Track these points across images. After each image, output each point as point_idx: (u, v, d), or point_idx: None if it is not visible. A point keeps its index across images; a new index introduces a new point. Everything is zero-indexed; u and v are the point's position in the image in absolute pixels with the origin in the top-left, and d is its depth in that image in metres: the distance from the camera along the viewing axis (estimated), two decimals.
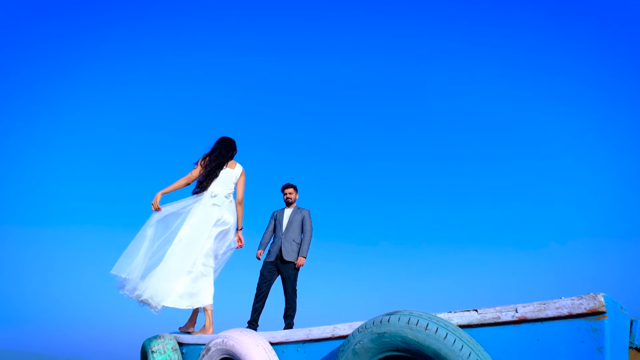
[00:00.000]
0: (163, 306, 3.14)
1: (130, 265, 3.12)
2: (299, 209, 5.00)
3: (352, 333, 1.76)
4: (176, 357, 2.92)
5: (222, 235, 3.71)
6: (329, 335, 2.10)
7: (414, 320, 1.59)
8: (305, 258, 4.71)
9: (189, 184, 3.63)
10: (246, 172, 3.99)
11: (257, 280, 4.80)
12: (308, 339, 2.18)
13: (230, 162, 3.80)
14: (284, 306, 4.76)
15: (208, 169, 3.62)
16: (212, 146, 3.84)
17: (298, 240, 4.79)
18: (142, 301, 3.05)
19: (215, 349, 2.34)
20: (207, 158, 3.70)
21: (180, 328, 3.58)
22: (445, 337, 1.51)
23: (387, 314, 1.69)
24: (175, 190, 3.58)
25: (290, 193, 5.02)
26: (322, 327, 2.16)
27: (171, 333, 3.30)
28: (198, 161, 3.70)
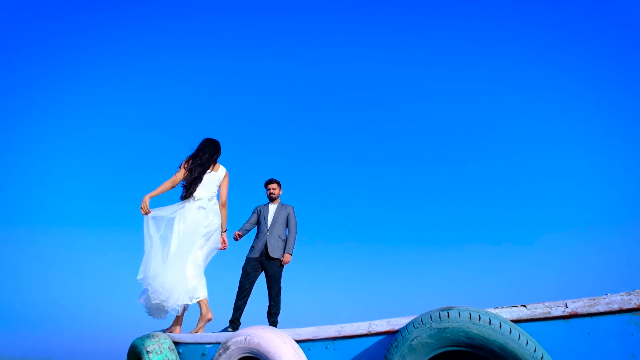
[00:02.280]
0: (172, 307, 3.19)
1: (151, 266, 3.22)
2: (283, 205, 4.88)
3: (407, 329, 1.73)
4: (173, 357, 2.71)
5: (208, 236, 3.71)
6: (364, 332, 2.06)
7: (475, 315, 1.61)
8: (291, 255, 4.61)
9: (174, 186, 3.63)
10: (230, 174, 4.00)
11: (238, 279, 4.62)
12: (340, 335, 2.12)
13: (214, 165, 3.82)
14: (264, 304, 4.63)
15: (194, 174, 3.62)
16: (195, 148, 3.82)
17: (284, 237, 4.67)
18: (156, 305, 3.10)
19: (236, 347, 2.19)
20: (191, 161, 3.69)
21: (165, 330, 3.34)
22: (510, 332, 1.54)
23: (443, 309, 1.69)
24: (161, 193, 3.57)
25: (274, 188, 4.89)
26: (355, 324, 2.12)
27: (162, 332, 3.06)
28: (181, 164, 3.68)
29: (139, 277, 3.20)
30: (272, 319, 4.38)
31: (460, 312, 1.63)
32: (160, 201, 3.69)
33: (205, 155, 3.74)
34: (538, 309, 1.74)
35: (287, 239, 4.70)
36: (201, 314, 3.37)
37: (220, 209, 3.90)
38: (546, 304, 1.74)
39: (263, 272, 4.60)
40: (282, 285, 4.57)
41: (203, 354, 2.64)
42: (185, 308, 3.42)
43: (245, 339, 2.17)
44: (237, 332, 2.27)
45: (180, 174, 3.63)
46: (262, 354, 2.09)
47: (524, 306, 1.77)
